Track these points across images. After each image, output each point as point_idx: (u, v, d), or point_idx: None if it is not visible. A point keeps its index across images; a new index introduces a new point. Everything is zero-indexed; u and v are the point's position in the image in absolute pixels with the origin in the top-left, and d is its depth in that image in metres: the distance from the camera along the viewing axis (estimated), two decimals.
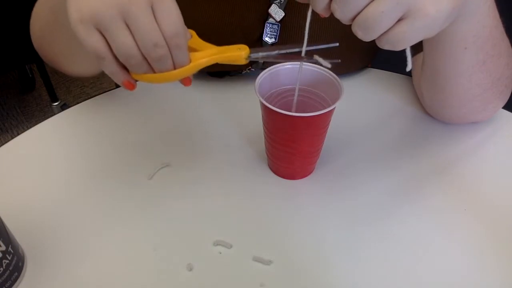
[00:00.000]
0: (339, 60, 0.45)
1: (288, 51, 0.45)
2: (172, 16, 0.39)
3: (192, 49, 0.43)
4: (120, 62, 0.41)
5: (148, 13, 0.38)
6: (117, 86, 0.72)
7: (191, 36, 0.44)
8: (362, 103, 0.67)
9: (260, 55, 0.45)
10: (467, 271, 0.46)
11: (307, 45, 0.44)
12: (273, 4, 0.62)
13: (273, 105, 0.47)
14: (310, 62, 0.45)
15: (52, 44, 0.58)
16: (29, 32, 0.61)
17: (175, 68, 0.42)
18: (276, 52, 0.45)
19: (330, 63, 0.45)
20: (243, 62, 0.45)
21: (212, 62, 0.44)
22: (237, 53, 0.44)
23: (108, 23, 0.38)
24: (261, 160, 0.58)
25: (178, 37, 0.39)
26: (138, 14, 0.37)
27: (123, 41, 0.38)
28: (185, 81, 0.44)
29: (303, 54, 0.45)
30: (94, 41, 0.39)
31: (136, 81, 0.43)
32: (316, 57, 0.45)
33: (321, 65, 0.46)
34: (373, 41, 0.40)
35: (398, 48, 0.39)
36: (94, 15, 0.37)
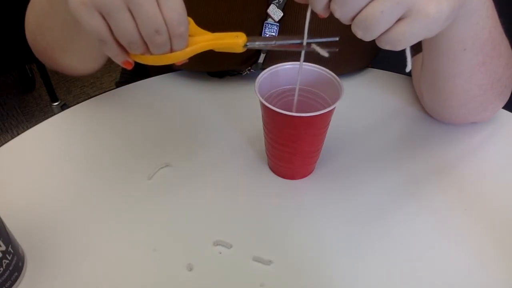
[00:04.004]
0: (337, 49, 0.45)
1: (285, 42, 0.45)
2: (175, 4, 0.39)
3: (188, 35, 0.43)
4: (120, 44, 0.41)
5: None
6: (117, 86, 0.72)
7: (189, 23, 0.43)
8: (362, 103, 0.67)
9: (257, 44, 0.44)
10: (467, 271, 0.46)
11: (307, 38, 0.44)
12: (272, 4, 0.62)
13: (273, 105, 0.47)
14: (308, 50, 0.45)
15: (46, 33, 0.58)
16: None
17: (171, 52, 0.42)
18: (273, 42, 0.45)
19: (328, 52, 0.44)
20: (240, 50, 0.44)
21: (209, 47, 0.44)
22: (234, 41, 0.44)
23: (111, 7, 0.37)
24: (261, 160, 0.58)
25: (180, 26, 0.40)
26: (141, 0, 0.37)
27: (125, 26, 0.39)
28: (179, 61, 0.45)
29: (304, 43, 0.44)
30: (96, 24, 0.39)
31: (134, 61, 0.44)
32: (314, 45, 0.44)
33: (319, 54, 0.45)
34: (374, 41, 0.40)
35: (398, 48, 0.39)
36: None
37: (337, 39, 0.44)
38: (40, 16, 0.57)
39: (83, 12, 0.38)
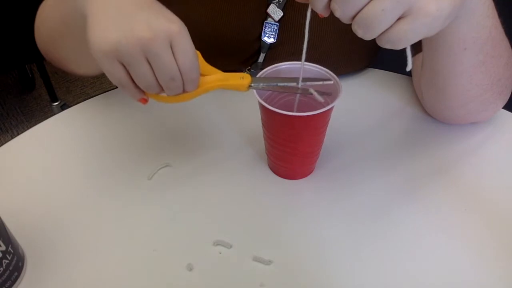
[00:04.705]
0: (331, 93, 0.49)
1: (286, 84, 0.49)
2: (189, 54, 0.42)
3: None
4: (138, 86, 0.44)
5: (167, 50, 0.41)
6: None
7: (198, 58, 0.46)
8: (362, 103, 0.67)
9: (260, 85, 0.48)
10: (467, 271, 0.46)
11: (305, 81, 0.48)
12: (272, 4, 0.62)
13: (274, 105, 0.47)
14: (305, 94, 0.49)
15: (60, 49, 0.59)
16: (30, 32, 0.61)
17: (184, 92, 0.45)
18: (275, 84, 0.49)
19: (323, 97, 0.49)
20: (244, 90, 0.48)
21: (217, 87, 0.48)
22: (240, 82, 0.48)
23: (131, 59, 0.40)
24: (261, 160, 0.58)
25: (193, 73, 0.43)
26: (158, 52, 0.40)
27: (144, 75, 0.42)
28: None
29: (299, 85, 0.48)
30: (117, 71, 0.42)
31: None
32: (311, 90, 0.48)
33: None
34: (373, 41, 0.40)
35: (399, 47, 0.39)
36: (118, 50, 0.40)
37: (331, 82, 0.49)
38: (53, 32, 0.58)
39: (105, 61, 0.41)
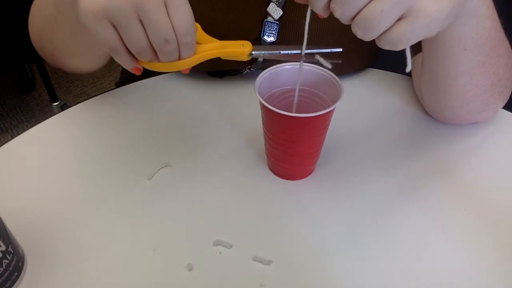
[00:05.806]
0: (340, 61, 0.46)
1: (289, 52, 0.46)
2: (184, 14, 0.40)
3: (196, 42, 0.44)
4: (131, 52, 0.42)
5: (161, 10, 0.39)
6: (117, 86, 0.72)
7: (196, 29, 0.44)
8: (362, 103, 0.67)
9: (262, 53, 0.46)
10: (467, 271, 0.46)
11: (311, 48, 0.45)
12: (272, 3, 0.62)
13: (274, 105, 0.47)
14: (311, 62, 0.46)
15: (52, 37, 0.58)
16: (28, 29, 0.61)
17: (179, 59, 0.43)
18: (277, 51, 0.46)
19: (331, 63, 0.46)
20: (245, 58, 0.46)
21: (215, 55, 0.45)
22: (240, 50, 0.45)
23: (122, 18, 0.38)
24: (261, 160, 0.58)
25: (188, 35, 0.41)
26: (152, 10, 0.38)
27: (137, 36, 0.40)
28: (185, 69, 0.46)
29: (303, 53, 0.45)
30: (108, 34, 0.40)
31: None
32: (317, 57, 0.45)
33: (322, 65, 0.46)
34: (374, 41, 0.40)
35: (398, 48, 0.39)
36: (109, 9, 0.38)
37: (340, 49, 0.45)
38: (46, 18, 0.57)
39: (95, 23, 0.39)
